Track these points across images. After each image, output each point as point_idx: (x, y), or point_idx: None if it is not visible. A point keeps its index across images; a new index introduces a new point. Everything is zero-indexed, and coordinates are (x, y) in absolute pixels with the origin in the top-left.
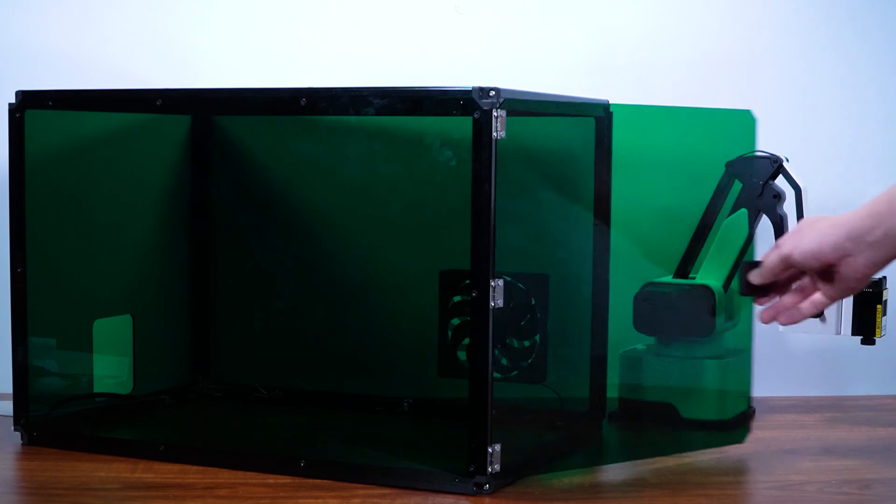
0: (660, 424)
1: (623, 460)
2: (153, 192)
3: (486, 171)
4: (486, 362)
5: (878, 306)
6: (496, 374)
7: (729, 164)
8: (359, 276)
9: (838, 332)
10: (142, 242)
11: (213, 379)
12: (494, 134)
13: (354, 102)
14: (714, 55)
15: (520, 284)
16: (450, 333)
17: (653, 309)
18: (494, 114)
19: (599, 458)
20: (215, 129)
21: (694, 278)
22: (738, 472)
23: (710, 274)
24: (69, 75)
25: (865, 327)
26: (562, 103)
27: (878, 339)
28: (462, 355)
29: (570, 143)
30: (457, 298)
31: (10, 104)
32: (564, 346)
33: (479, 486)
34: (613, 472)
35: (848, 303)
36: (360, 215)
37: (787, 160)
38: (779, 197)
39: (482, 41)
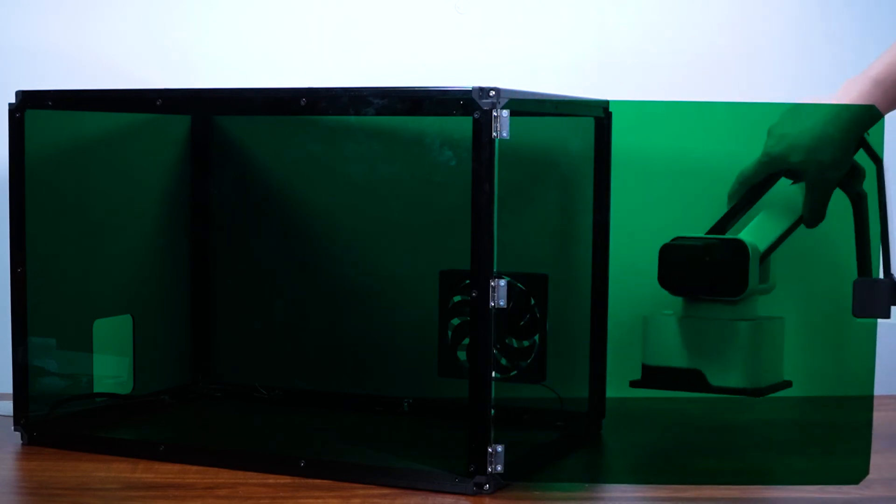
0: (687, 391)
1: (623, 460)
2: (153, 192)
3: (486, 171)
4: (486, 362)
5: None
6: (496, 374)
7: None
8: (359, 275)
9: None
10: (142, 242)
11: (213, 379)
12: (494, 134)
13: (354, 102)
14: (714, 55)
15: (519, 284)
16: (450, 333)
17: (679, 263)
18: (494, 114)
19: (599, 457)
20: (215, 129)
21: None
22: (738, 471)
23: (754, 234)
24: (69, 75)
25: None
26: (561, 103)
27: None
28: (462, 355)
29: (570, 143)
30: (457, 298)
31: (10, 104)
32: (564, 346)
33: (479, 486)
34: (614, 472)
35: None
36: (360, 215)
37: (869, 134)
38: (857, 173)
39: (482, 41)
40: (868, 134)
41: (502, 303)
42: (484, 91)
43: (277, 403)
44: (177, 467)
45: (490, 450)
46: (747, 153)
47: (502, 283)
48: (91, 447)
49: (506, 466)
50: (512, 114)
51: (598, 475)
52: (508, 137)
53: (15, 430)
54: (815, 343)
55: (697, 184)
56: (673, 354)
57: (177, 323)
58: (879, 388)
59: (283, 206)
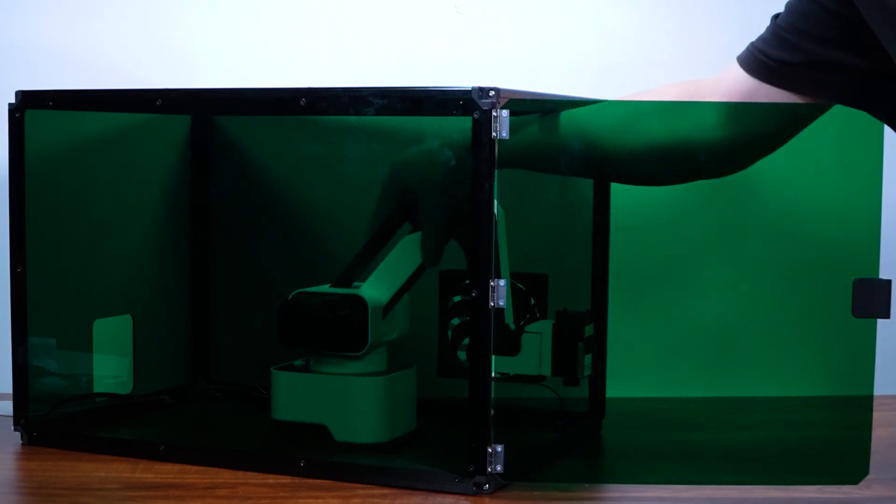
0: (314, 450)
1: (623, 460)
2: (153, 192)
3: (486, 171)
4: (487, 362)
5: (579, 343)
6: (496, 374)
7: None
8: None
9: (537, 372)
10: (142, 242)
11: (213, 379)
12: (494, 134)
13: (354, 102)
14: (714, 55)
15: (519, 284)
16: (450, 333)
17: (299, 320)
18: (494, 114)
19: (599, 457)
20: (215, 129)
21: (359, 287)
22: (738, 471)
23: (376, 286)
24: (69, 75)
25: (566, 367)
26: (561, 103)
27: (580, 379)
28: (462, 355)
29: None
30: (457, 298)
31: (10, 104)
32: None
33: (479, 486)
34: (614, 472)
35: (547, 340)
36: (361, 215)
37: None
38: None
39: (482, 41)
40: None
41: (502, 303)
42: (484, 91)
43: None
44: (177, 467)
45: (490, 450)
46: None
47: (502, 283)
48: (91, 447)
49: (506, 466)
50: (512, 114)
51: (598, 475)
52: (508, 137)
53: (15, 430)
54: (815, 343)
55: (696, 183)
56: (299, 409)
57: (177, 323)
58: (879, 388)
59: (283, 206)
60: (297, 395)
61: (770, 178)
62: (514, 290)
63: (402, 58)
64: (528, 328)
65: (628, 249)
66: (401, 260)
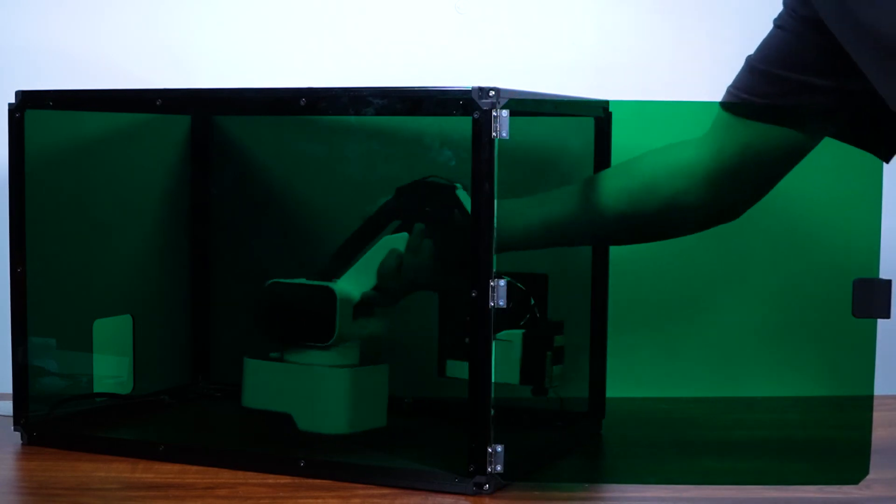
0: (279, 437)
1: (623, 460)
2: (153, 192)
3: (486, 171)
4: (487, 362)
5: (548, 353)
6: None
7: (399, 189)
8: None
9: (506, 380)
10: (142, 242)
11: (213, 379)
12: (494, 134)
13: (354, 102)
14: (714, 54)
15: (519, 284)
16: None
17: (273, 309)
18: (494, 114)
19: (599, 457)
20: (215, 129)
21: (335, 281)
22: (738, 471)
23: (351, 281)
24: (69, 75)
25: (533, 376)
26: (561, 103)
27: (548, 389)
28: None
29: (570, 143)
30: None
31: (10, 104)
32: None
33: (479, 486)
34: (614, 472)
35: (517, 349)
36: (361, 215)
37: (460, 186)
38: (447, 225)
39: (482, 41)
40: (459, 186)
41: (502, 303)
42: (484, 91)
43: None
44: (177, 467)
45: (490, 450)
46: None
47: (502, 283)
48: (91, 447)
49: (506, 466)
50: (512, 114)
51: (598, 475)
52: (508, 137)
53: (15, 430)
54: (815, 343)
55: None
56: (268, 398)
57: (177, 323)
58: (879, 388)
59: (283, 206)
60: (265, 384)
61: None
62: (514, 291)
63: (402, 58)
64: (498, 336)
65: (628, 249)
66: (377, 261)
